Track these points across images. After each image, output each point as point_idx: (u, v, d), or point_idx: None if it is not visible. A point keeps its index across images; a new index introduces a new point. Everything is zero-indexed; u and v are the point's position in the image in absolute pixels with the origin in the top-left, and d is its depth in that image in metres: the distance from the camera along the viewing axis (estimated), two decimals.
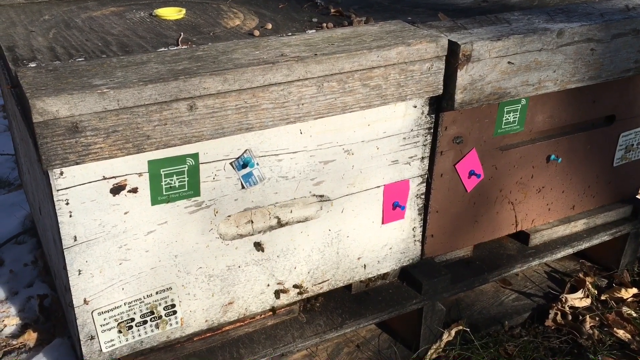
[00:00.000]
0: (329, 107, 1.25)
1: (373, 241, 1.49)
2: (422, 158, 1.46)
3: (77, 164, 1.07)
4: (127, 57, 1.19)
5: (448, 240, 1.61)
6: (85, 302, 1.21)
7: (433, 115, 1.42)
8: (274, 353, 1.41)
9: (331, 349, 1.63)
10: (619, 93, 1.68)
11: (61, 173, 1.09)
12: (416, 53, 1.29)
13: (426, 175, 1.49)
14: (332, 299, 1.53)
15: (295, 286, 1.43)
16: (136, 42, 1.34)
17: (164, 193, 1.19)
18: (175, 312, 1.31)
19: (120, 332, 1.26)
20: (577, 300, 1.81)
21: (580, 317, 1.76)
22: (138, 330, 1.28)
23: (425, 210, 1.53)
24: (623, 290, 1.86)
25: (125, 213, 1.17)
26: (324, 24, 1.44)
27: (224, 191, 1.26)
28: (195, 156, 1.19)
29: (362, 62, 1.24)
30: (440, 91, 1.37)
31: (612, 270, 1.94)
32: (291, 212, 1.36)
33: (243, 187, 1.27)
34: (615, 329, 1.73)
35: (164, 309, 1.29)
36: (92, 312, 1.22)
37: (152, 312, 1.28)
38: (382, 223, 1.48)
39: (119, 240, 1.19)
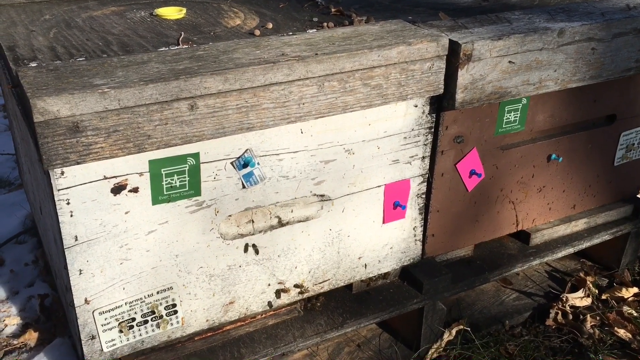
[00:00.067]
0: (329, 107, 1.25)
1: (374, 241, 1.49)
2: (423, 157, 1.46)
3: (78, 163, 1.07)
4: (127, 57, 1.19)
5: (449, 240, 1.61)
6: (86, 301, 1.21)
7: (434, 115, 1.42)
8: (274, 352, 1.41)
9: (332, 348, 1.63)
10: (620, 92, 1.68)
11: (62, 173, 1.09)
12: (417, 52, 1.29)
13: (427, 175, 1.49)
14: (333, 299, 1.53)
15: (296, 286, 1.43)
16: (137, 41, 1.34)
17: (165, 193, 1.19)
18: (176, 312, 1.31)
19: (121, 331, 1.26)
20: (578, 299, 1.81)
21: (581, 317, 1.76)
22: (139, 330, 1.28)
23: (426, 210, 1.53)
24: (624, 289, 1.86)
25: (126, 213, 1.17)
26: (325, 24, 1.44)
27: (225, 191, 1.26)
28: (196, 156, 1.19)
29: (363, 61, 1.24)
30: (441, 90, 1.37)
31: (612, 269, 1.94)
32: (292, 211, 1.36)
33: (244, 187, 1.27)
34: (616, 328, 1.73)
35: (164, 308, 1.29)
36: (93, 312, 1.22)
37: (153, 312, 1.28)
38: (383, 222, 1.48)
39: (120, 240, 1.19)
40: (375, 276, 1.55)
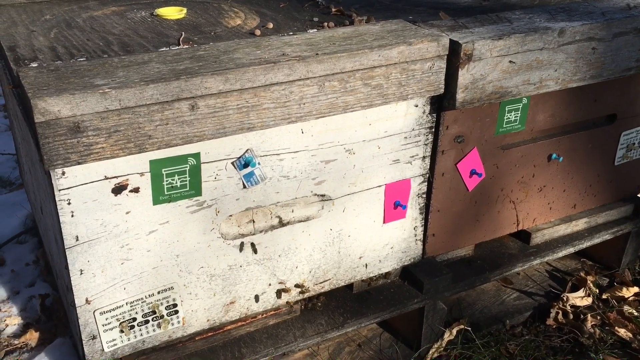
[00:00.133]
0: (330, 107, 1.25)
1: (374, 240, 1.49)
2: (424, 157, 1.46)
3: (79, 163, 1.07)
4: (128, 57, 1.19)
5: (449, 240, 1.61)
6: (87, 301, 1.21)
7: (434, 115, 1.42)
8: (275, 352, 1.41)
9: (332, 348, 1.63)
10: (621, 92, 1.68)
11: (63, 173, 1.09)
12: (417, 52, 1.29)
13: (427, 175, 1.49)
14: (333, 298, 1.53)
15: (296, 285, 1.43)
16: (137, 41, 1.34)
17: (166, 193, 1.19)
18: (177, 312, 1.31)
19: (122, 331, 1.26)
20: (579, 299, 1.81)
21: (582, 316, 1.76)
22: (140, 330, 1.28)
23: (426, 210, 1.53)
24: (624, 289, 1.86)
25: (127, 213, 1.18)
26: (325, 24, 1.44)
27: (226, 191, 1.26)
28: (196, 156, 1.19)
29: (364, 61, 1.24)
30: (442, 90, 1.37)
31: (613, 269, 1.94)
32: (292, 211, 1.36)
33: (244, 187, 1.27)
34: (616, 327, 1.73)
35: (165, 308, 1.29)
36: (94, 312, 1.22)
37: (154, 312, 1.28)
38: (384, 222, 1.48)
39: (121, 240, 1.19)
40: (375, 276, 1.55)
